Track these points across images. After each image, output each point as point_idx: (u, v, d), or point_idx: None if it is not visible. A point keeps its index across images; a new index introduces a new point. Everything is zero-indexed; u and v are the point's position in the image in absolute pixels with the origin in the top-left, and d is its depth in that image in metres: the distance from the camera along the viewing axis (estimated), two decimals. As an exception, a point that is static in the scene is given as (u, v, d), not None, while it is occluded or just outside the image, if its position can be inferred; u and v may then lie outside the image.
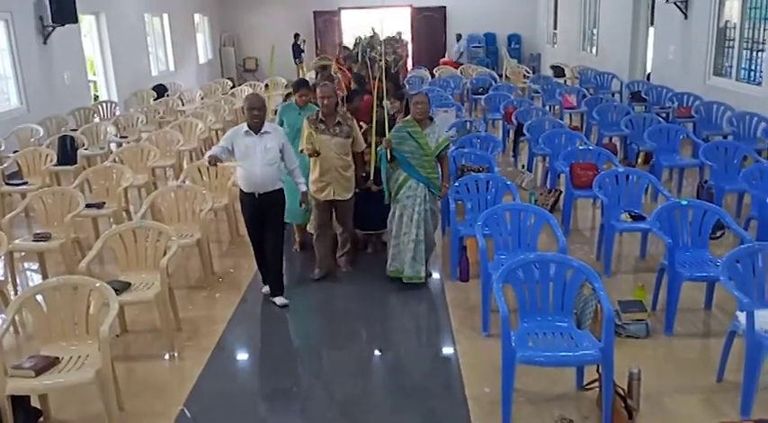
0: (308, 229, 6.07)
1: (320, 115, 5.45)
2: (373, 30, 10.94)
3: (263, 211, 5.04)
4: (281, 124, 6.07)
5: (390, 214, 5.45)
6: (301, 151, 5.47)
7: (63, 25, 10.62)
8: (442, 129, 5.51)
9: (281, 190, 5.10)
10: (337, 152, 5.43)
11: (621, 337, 4.40)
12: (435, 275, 5.69)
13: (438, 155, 5.33)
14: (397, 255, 5.45)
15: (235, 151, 4.94)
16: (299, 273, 5.91)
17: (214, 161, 4.80)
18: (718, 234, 5.86)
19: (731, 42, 9.38)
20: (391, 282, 5.48)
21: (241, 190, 5.09)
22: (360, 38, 12.89)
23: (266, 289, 5.38)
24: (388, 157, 5.32)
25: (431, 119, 5.41)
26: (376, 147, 5.55)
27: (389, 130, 5.39)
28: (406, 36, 18.97)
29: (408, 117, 5.40)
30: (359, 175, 5.70)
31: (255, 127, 4.92)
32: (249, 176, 4.95)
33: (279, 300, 5.26)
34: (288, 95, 6.84)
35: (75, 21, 10.84)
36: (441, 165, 5.41)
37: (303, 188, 5.22)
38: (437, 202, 5.51)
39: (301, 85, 6.33)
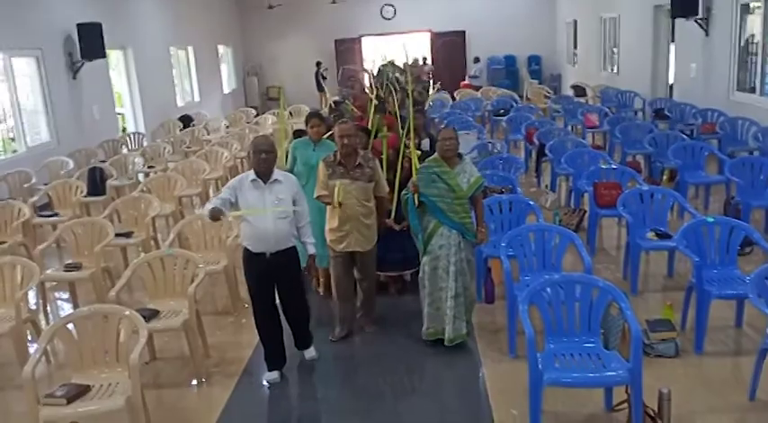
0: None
1: (338, 157, 4.82)
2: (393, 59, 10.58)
3: (275, 274, 4.37)
4: (294, 162, 5.70)
5: (421, 270, 4.80)
6: (317, 198, 4.88)
7: (91, 60, 10.89)
8: (473, 166, 4.84)
9: (294, 247, 4.43)
10: (358, 199, 4.79)
11: (650, 356, 4.35)
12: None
13: (471, 196, 4.71)
14: (434, 314, 4.78)
15: (240, 205, 4.26)
16: (319, 313, 5.61)
17: (217, 215, 4.12)
18: (746, 250, 5.78)
19: (754, 57, 9.31)
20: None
21: (247, 250, 4.36)
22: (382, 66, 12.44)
23: (274, 376, 4.53)
24: (416, 202, 4.68)
25: (459, 156, 4.76)
26: (400, 187, 5.04)
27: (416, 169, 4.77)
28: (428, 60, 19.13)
29: (435, 155, 4.78)
30: (381, 223, 5.11)
31: (265, 173, 4.25)
32: (259, 234, 4.25)
33: (308, 353, 4.73)
34: (298, 132, 6.26)
35: (104, 56, 11.11)
36: (474, 207, 4.76)
37: (312, 250, 4.52)
38: (472, 249, 4.84)
39: (312, 115, 5.85)
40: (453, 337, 4.73)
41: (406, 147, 5.25)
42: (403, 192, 4.86)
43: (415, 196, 4.66)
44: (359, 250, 4.91)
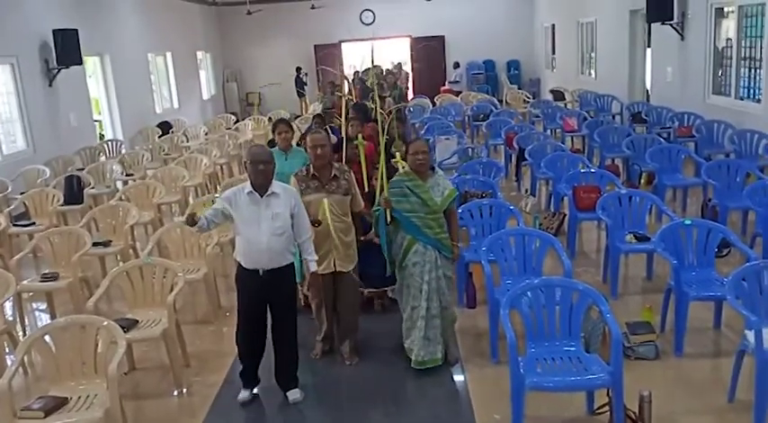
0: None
1: (312, 170, 4.57)
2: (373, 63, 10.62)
3: (268, 293, 4.12)
4: None
5: (397, 284, 4.67)
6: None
7: (68, 67, 10.77)
8: (446, 180, 4.65)
9: (291, 265, 4.20)
10: (336, 213, 4.54)
11: (631, 359, 4.38)
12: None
13: (445, 210, 4.52)
14: (408, 331, 4.60)
15: (235, 218, 4.06)
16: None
17: (192, 223, 3.95)
18: (723, 252, 5.84)
19: (729, 61, 9.45)
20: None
21: (240, 266, 4.14)
22: (358, 73, 12.32)
23: (245, 395, 4.34)
24: (388, 218, 4.47)
25: (432, 168, 4.58)
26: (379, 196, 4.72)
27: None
28: (406, 66, 19.16)
29: (406, 168, 4.61)
30: (359, 240, 4.88)
31: (262, 186, 4.02)
32: (252, 249, 4.03)
33: (292, 395, 4.32)
34: (270, 142, 5.96)
35: (80, 63, 10.99)
36: (448, 221, 4.54)
37: (314, 267, 4.25)
38: (452, 265, 4.62)
39: (280, 122, 5.65)
40: (423, 361, 4.50)
41: (390, 156, 5.15)
42: (373, 208, 4.66)
43: (387, 212, 4.46)
44: (340, 271, 4.62)
